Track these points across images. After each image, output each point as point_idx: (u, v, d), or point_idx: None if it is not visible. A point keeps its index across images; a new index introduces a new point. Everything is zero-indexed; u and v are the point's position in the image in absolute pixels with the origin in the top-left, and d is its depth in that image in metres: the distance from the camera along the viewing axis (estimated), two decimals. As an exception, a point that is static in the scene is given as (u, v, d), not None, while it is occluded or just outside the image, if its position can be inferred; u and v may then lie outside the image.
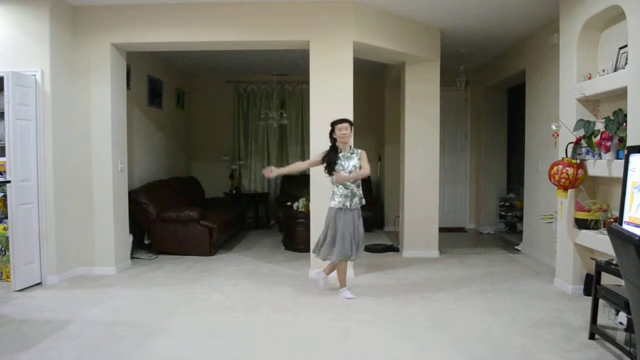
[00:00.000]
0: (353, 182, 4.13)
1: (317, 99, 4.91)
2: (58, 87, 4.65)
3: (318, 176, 4.77)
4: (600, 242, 3.64)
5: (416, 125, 5.77)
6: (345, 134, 4.13)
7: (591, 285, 3.39)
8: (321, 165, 4.23)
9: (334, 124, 4.18)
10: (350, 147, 4.26)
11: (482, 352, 3.00)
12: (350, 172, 4.10)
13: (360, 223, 4.20)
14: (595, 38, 4.09)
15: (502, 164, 7.81)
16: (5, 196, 4.40)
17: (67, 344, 3.12)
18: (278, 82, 8.13)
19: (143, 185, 6.29)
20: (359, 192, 4.19)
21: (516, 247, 6.25)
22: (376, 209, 7.81)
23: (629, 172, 2.99)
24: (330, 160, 4.13)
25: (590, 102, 4.01)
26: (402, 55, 5.52)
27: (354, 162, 4.14)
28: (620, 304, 2.86)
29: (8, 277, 4.46)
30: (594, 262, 3.29)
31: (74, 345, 3.09)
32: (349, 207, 4.10)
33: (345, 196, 4.10)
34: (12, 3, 4.48)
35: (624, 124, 3.45)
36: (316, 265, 4.92)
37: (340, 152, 4.17)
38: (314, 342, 3.22)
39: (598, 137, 3.71)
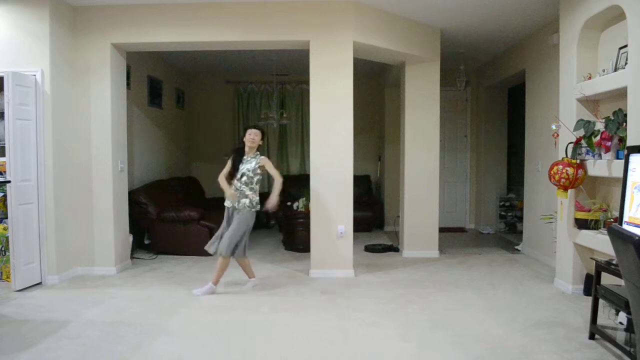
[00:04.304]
0: (244, 185, 4.30)
1: (317, 99, 4.91)
2: (58, 87, 4.65)
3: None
4: (600, 242, 3.64)
5: (416, 125, 5.77)
6: (254, 139, 4.36)
7: (591, 285, 3.40)
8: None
9: (246, 128, 4.45)
10: (257, 153, 4.42)
11: (482, 352, 3.00)
12: (243, 174, 4.30)
13: (234, 222, 4.30)
14: (595, 38, 4.09)
15: (502, 164, 7.81)
16: (5, 196, 4.40)
17: (67, 344, 3.12)
18: (278, 82, 8.12)
19: (143, 185, 6.29)
20: (252, 196, 4.33)
21: (516, 247, 6.25)
22: (376, 209, 7.80)
23: (629, 172, 2.99)
24: (233, 163, 4.38)
25: (590, 102, 4.02)
26: (402, 55, 5.52)
27: (249, 166, 4.32)
28: (620, 304, 2.86)
29: (8, 277, 4.46)
30: (594, 262, 3.29)
31: (74, 345, 3.09)
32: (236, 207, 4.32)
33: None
34: (12, 3, 4.48)
35: (624, 124, 3.46)
36: (317, 265, 4.93)
37: (243, 156, 4.38)
38: (314, 342, 3.22)
39: (598, 137, 3.71)
